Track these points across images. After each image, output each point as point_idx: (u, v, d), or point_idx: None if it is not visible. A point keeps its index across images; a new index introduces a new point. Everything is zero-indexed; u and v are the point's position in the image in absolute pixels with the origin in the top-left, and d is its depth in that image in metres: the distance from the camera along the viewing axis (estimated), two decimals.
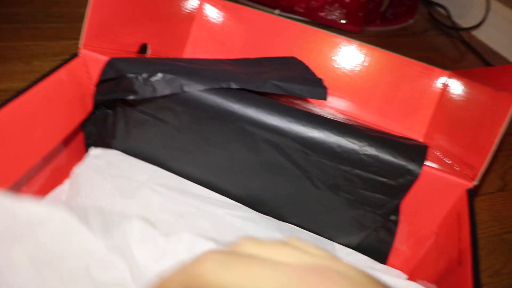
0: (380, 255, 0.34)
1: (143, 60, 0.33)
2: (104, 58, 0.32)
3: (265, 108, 0.30)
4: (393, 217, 0.32)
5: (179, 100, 0.31)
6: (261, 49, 0.45)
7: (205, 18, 0.46)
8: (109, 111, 0.34)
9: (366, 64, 0.43)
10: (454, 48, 0.79)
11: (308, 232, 0.34)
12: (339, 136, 0.29)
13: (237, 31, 0.45)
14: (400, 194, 0.30)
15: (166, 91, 0.30)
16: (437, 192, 0.30)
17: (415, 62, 0.41)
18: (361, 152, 0.29)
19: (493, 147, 0.28)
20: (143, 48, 0.40)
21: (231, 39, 0.45)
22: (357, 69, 0.43)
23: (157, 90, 0.30)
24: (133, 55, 0.37)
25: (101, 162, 0.34)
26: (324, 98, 0.35)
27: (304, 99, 0.40)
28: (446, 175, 0.30)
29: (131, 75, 0.30)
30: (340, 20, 0.75)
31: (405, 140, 0.32)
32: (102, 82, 0.32)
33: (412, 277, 0.33)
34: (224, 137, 0.32)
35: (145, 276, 0.21)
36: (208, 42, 0.46)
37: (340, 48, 0.43)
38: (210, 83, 0.31)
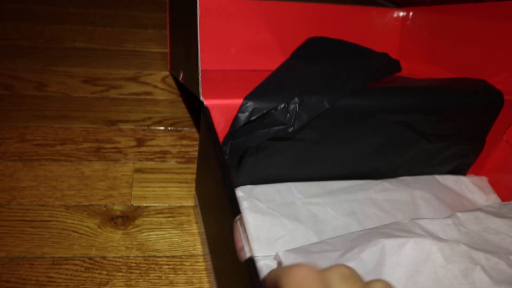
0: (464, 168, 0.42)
1: (271, 89, 0.33)
2: (229, 102, 0.31)
3: (394, 95, 0.34)
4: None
5: (323, 116, 0.32)
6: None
7: None
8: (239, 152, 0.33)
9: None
10: None
11: (415, 176, 0.40)
12: (440, 97, 0.35)
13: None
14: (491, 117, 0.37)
15: (313, 114, 0.31)
16: None
17: None
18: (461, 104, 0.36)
19: None
20: None
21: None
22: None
23: (303, 116, 0.31)
24: None
25: (249, 201, 0.34)
26: (400, 69, 0.39)
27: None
28: None
29: (274, 110, 0.30)
30: None
31: (470, 83, 0.39)
32: (243, 125, 0.31)
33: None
34: (360, 131, 0.35)
35: None
36: None
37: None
38: (343, 92, 0.33)
